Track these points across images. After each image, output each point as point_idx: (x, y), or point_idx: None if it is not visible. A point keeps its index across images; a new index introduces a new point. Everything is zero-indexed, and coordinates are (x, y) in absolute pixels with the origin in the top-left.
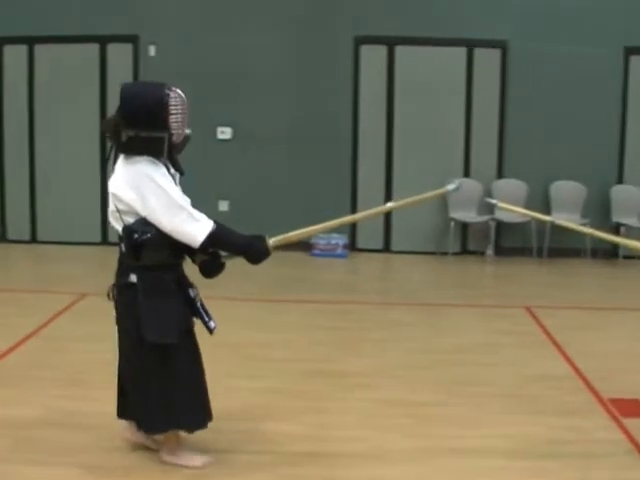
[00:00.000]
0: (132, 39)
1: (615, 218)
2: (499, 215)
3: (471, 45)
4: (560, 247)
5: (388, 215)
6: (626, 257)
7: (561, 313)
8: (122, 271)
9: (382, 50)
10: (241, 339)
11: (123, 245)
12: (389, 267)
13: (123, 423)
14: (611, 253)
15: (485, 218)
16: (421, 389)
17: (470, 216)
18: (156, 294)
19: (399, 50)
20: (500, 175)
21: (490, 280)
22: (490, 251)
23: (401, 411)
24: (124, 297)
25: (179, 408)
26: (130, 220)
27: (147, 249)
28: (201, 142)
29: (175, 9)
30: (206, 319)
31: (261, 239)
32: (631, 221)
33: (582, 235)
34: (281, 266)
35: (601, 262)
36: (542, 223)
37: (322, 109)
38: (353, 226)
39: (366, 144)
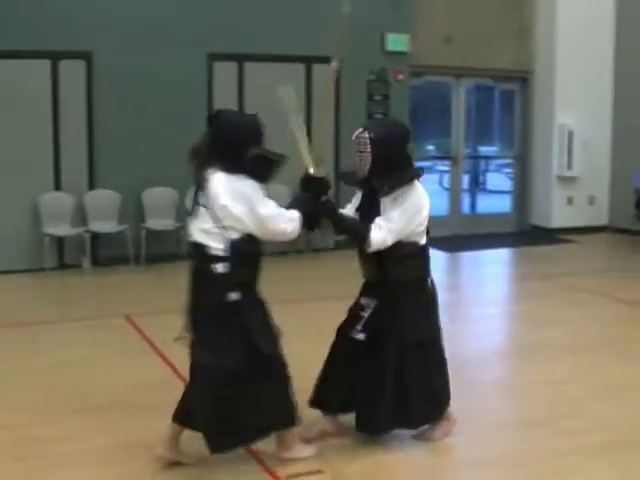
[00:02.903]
0: None
1: None
2: (93, 226)
3: (55, 57)
4: (157, 253)
5: None
6: None
7: (161, 318)
8: (214, 291)
9: None
10: None
11: (219, 263)
12: None
13: (164, 439)
14: None
15: (79, 230)
16: (23, 411)
17: (64, 229)
18: (259, 309)
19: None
20: (92, 186)
21: (89, 292)
22: (87, 263)
23: (5, 436)
24: (222, 316)
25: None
26: (234, 236)
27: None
28: None
29: None
30: None
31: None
32: None
33: (176, 241)
34: None
35: None
36: (136, 231)
37: None
38: None
39: None
